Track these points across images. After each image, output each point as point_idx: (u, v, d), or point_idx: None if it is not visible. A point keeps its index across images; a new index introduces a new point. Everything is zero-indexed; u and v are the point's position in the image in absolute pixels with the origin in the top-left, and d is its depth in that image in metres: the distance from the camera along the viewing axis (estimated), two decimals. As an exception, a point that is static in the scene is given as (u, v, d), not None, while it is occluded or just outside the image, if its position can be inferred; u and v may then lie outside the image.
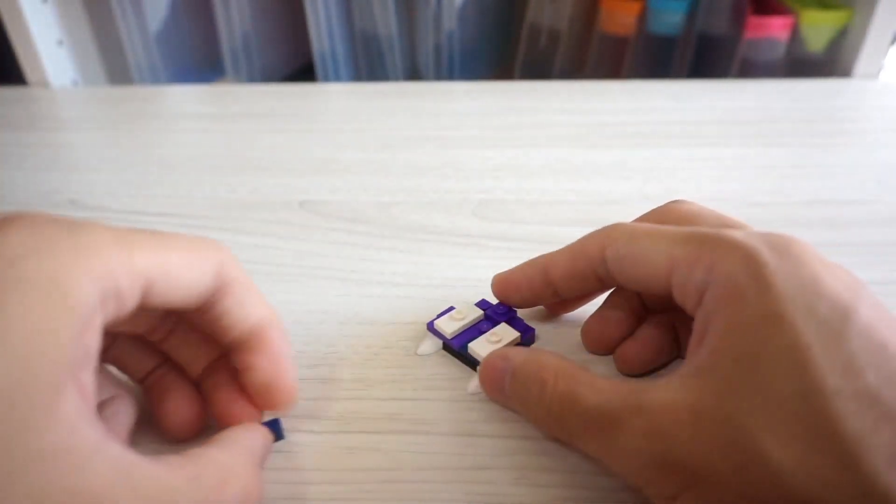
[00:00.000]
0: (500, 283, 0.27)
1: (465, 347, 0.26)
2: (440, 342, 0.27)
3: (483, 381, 0.24)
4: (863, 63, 0.53)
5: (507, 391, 0.23)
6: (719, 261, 0.20)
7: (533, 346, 0.27)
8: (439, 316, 0.27)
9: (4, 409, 0.13)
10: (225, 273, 0.20)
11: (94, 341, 0.16)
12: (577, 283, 0.25)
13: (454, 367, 0.27)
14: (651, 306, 0.26)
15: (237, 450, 0.20)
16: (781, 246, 0.20)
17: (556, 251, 0.25)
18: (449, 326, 0.27)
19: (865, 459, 0.16)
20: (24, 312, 0.14)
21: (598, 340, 0.26)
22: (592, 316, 0.27)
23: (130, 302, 0.17)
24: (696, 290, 0.20)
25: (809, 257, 0.19)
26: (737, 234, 0.20)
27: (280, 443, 0.23)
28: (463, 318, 0.27)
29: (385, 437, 0.24)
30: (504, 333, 0.26)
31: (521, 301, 0.27)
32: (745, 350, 0.18)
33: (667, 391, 0.19)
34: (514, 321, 0.27)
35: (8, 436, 0.13)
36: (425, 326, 0.28)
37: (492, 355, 0.24)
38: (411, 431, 0.24)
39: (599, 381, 0.21)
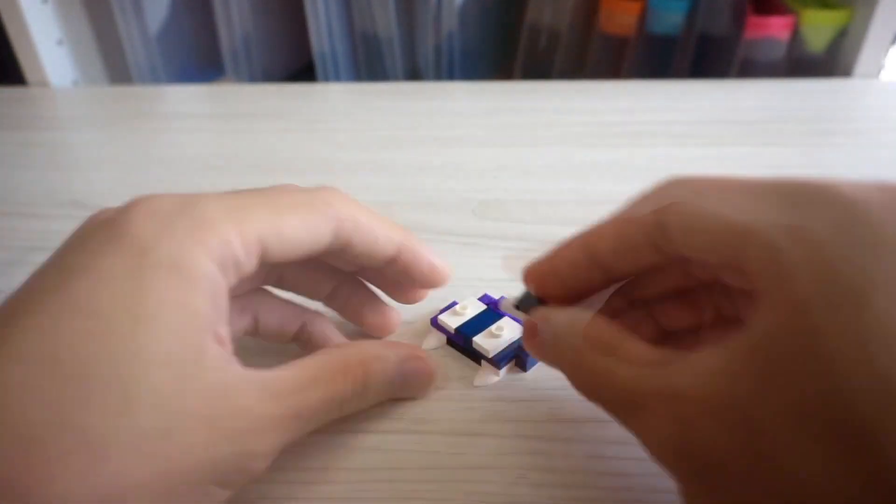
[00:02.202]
0: (536, 276, 0.23)
1: (470, 341, 0.26)
2: (444, 337, 0.28)
3: (525, 343, 0.23)
4: (863, 63, 0.53)
5: (548, 355, 0.22)
6: (812, 221, 0.16)
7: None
8: (442, 311, 0.28)
9: (167, 368, 0.17)
10: (344, 224, 0.21)
11: (222, 302, 0.19)
12: (630, 258, 0.20)
13: (455, 366, 0.27)
14: (671, 324, 0.23)
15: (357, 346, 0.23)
16: None
17: (597, 224, 0.21)
18: (452, 321, 0.27)
19: (889, 469, 0.14)
20: (163, 293, 0.17)
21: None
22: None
23: (248, 266, 0.19)
24: (772, 259, 0.16)
25: None
26: (845, 187, 0.16)
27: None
28: (466, 313, 0.27)
29: (385, 436, 0.24)
30: (507, 326, 0.26)
31: (566, 292, 0.22)
32: (808, 332, 0.15)
33: (698, 376, 0.17)
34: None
35: (178, 375, 0.17)
36: (429, 322, 0.28)
37: (536, 315, 0.22)
38: (411, 431, 0.24)
39: (636, 353, 0.18)
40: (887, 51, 0.53)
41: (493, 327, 0.26)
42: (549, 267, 0.22)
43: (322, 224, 0.21)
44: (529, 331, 0.22)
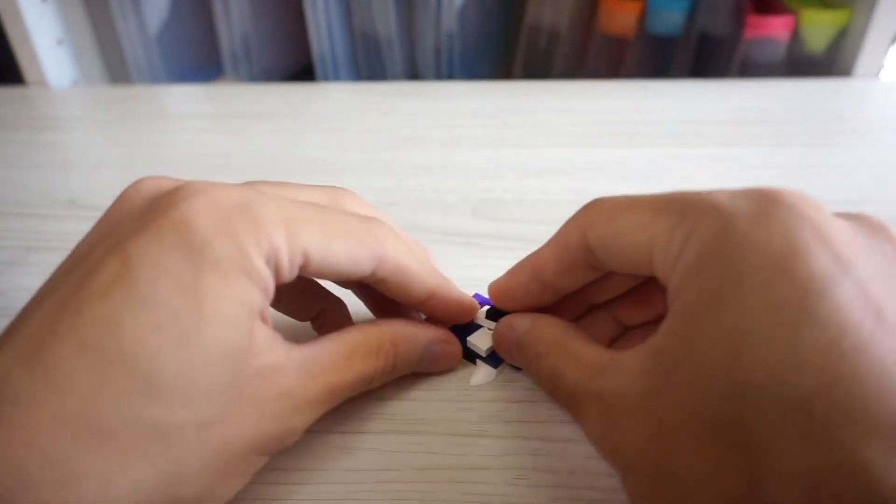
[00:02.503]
0: (496, 294, 0.25)
1: (465, 341, 0.26)
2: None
3: (497, 349, 0.25)
4: (863, 63, 0.53)
5: (516, 359, 0.24)
6: (696, 228, 0.17)
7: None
8: None
9: (225, 361, 0.18)
10: (385, 265, 0.22)
11: (270, 292, 0.20)
12: (569, 277, 0.22)
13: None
14: (631, 321, 0.25)
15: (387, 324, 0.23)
16: (768, 208, 0.16)
17: (541, 248, 0.23)
18: None
19: (771, 483, 0.14)
20: (222, 289, 0.18)
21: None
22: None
23: (288, 276, 0.20)
24: (672, 265, 0.18)
25: (797, 222, 0.16)
26: (721, 198, 0.17)
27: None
28: None
29: (384, 437, 0.24)
30: None
31: (524, 308, 0.25)
32: (688, 335, 0.16)
33: (622, 375, 0.18)
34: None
35: (234, 366, 0.18)
36: None
37: (501, 323, 0.24)
38: (410, 431, 0.24)
39: (583, 353, 0.20)
40: (887, 51, 0.53)
41: (487, 326, 0.26)
42: (506, 288, 0.24)
43: (366, 259, 0.21)
44: (499, 338, 0.25)
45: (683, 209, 0.18)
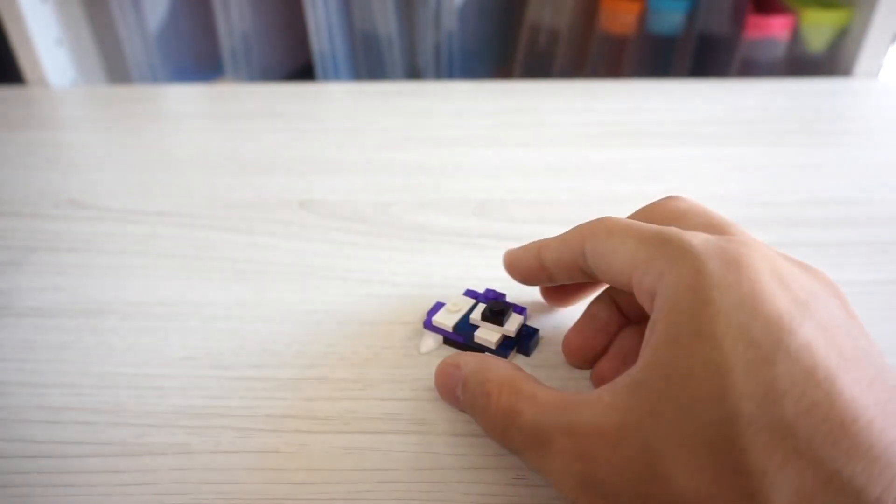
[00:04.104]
0: (508, 258, 0.27)
1: (472, 337, 0.26)
2: (440, 337, 0.28)
3: (439, 390, 0.24)
4: (863, 63, 0.53)
5: (459, 400, 0.23)
6: (668, 268, 0.19)
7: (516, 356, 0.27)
8: (431, 313, 0.28)
9: None
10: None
11: None
12: (563, 271, 0.25)
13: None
14: (629, 315, 0.26)
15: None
16: (730, 253, 0.19)
17: (552, 237, 0.25)
18: (448, 320, 0.27)
19: (766, 499, 0.15)
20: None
21: (578, 354, 0.26)
22: (571, 329, 0.26)
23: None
24: (648, 294, 0.20)
25: (756, 266, 0.18)
26: (694, 240, 0.19)
27: (279, 443, 0.24)
28: (459, 310, 0.27)
29: (384, 437, 0.24)
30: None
31: (521, 279, 0.27)
32: (672, 368, 0.18)
33: (596, 410, 0.18)
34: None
35: None
36: (421, 325, 0.28)
37: (444, 363, 0.24)
38: (411, 431, 0.24)
39: (541, 394, 0.20)
40: (887, 51, 0.53)
41: (485, 327, 0.27)
42: (515, 255, 0.27)
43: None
44: (441, 377, 0.24)
45: (662, 245, 0.20)
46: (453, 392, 0.24)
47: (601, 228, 0.23)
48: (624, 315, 0.26)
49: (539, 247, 0.25)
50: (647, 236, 0.21)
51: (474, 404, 0.22)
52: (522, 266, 0.26)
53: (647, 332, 0.19)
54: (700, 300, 0.18)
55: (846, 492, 0.15)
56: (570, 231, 0.24)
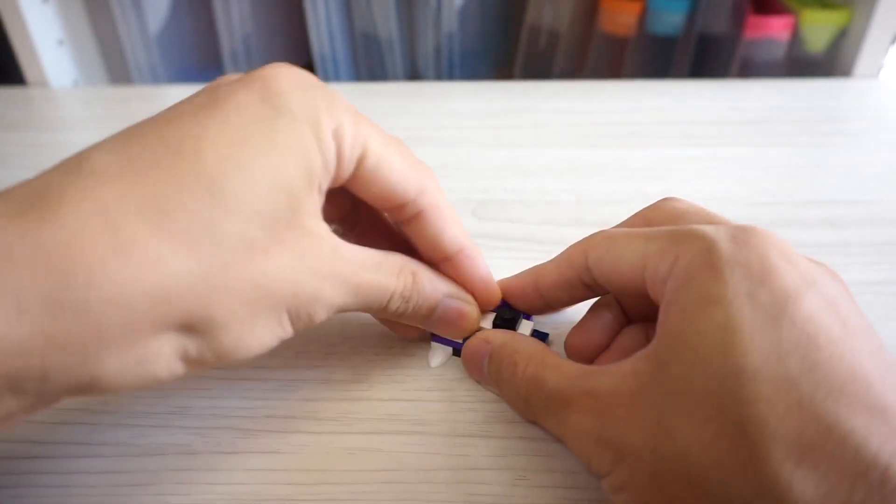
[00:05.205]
0: (502, 290, 0.27)
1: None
2: (450, 350, 0.27)
3: (465, 362, 0.26)
4: (863, 63, 0.53)
5: (484, 372, 0.25)
6: (683, 252, 0.20)
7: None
8: None
9: (287, 197, 0.19)
10: (427, 197, 0.23)
11: (331, 168, 0.21)
12: (565, 292, 0.25)
13: (454, 367, 0.27)
14: (632, 315, 0.26)
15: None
16: (742, 236, 0.20)
17: (547, 262, 0.26)
18: None
19: (766, 448, 0.16)
20: (295, 138, 0.19)
21: (580, 351, 0.26)
22: (575, 327, 0.26)
23: (347, 166, 0.21)
24: (662, 281, 0.21)
25: (767, 247, 0.19)
26: (705, 228, 0.20)
27: (279, 444, 0.24)
28: None
29: (385, 437, 0.24)
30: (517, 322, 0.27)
31: (519, 307, 0.27)
32: (679, 331, 0.19)
33: (615, 376, 0.20)
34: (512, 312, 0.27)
35: (289, 205, 0.19)
36: (429, 339, 0.27)
37: (474, 338, 0.25)
38: (411, 432, 0.24)
39: (564, 365, 0.22)
40: (887, 51, 0.53)
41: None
42: (506, 288, 0.27)
43: (413, 180, 0.23)
44: (470, 350, 0.25)
45: (673, 236, 0.21)
46: (479, 365, 0.25)
47: (602, 238, 0.23)
48: (626, 315, 0.26)
49: (535, 273, 0.26)
50: (656, 234, 0.21)
51: (500, 374, 0.24)
52: (516, 295, 0.26)
53: (661, 312, 0.20)
54: (709, 273, 0.19)
55: (846, 444, 0.16)
56: (565, 251, 0.25)
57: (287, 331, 0.20)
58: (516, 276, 0.27)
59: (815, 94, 0.51)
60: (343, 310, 0.22)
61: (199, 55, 0.63)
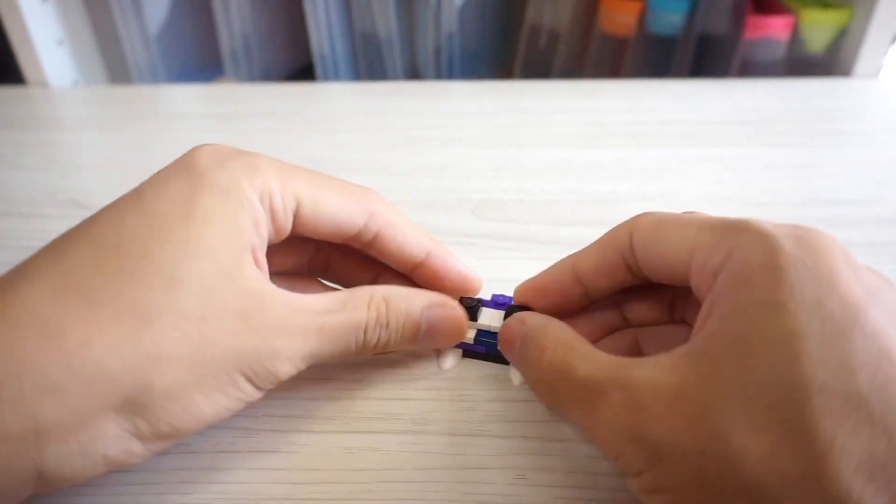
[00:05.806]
0: (525, 292, 0.26)
1: (495, 346, 0.25)
2: (459, 352, 0.27)
3: (501, 342, 0.25)
4: (863, 63, 0.53)
5: (516, 352, 0.24)
6: (739, 246, 0.19)
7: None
8: None
9: (210, 262, 0.20)
10: (377, 218, 0.24)
11: (263, 232, 0.22)
12: (606, 276, 0.24)
13: (455, 367, 0.27)
14: (632, 319, 0.26)
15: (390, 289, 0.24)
16: (807, 238, 0.19)
17: (583, 248, 0.25)
18: (468, 333, 0.26)
19: (834, 463, 0.16)
20: (216, 208, 0.20)
21: None
22: (570, 322, 0.25)
23: (284, 220, 0.22)
24: (711, 273, 0.20)
25: (833, 252, 0.19)
26: (764, 223, 0.20)
27: (279, 443, 0.24)
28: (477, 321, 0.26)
29: (385, 437, 0.24)
30: None
31: (547, 307, 0.25)
32: (739, 334, 0.18)
33: (654, 369, 0.19)
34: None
35: (216, 281, 0.20)
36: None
37: (514, 317, 0.25)
38: (411, 431, 0.24)
39: (595, 354, 0.21)
40: (887, 51, 0.53)
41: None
42: (539, 283, 0.25)
43: (356, 209, 0.24)
44: (507, 329, 0.25)
45: (727, 227, 0.20)
46: (513, 345, 0.24)
47: (650, 220, 0.22)
48: (625, 319, 0.26)
49: (572, 261, 0.25)
50: (712, 222, 0.21)
51: (528, 357, 0.23)
52: (552, 290, 0.25)
53: (706, 307, 0.19)
54: (773, 275, 0.18)
55: None
56: (607, 233, 0.24)
57: (248, 392, 0.21)
58: (547, 269, 0.25)
59: (815, 94, 0.51)
60: (316, 358, 0.22)
61: (199, 55, 0.63)
